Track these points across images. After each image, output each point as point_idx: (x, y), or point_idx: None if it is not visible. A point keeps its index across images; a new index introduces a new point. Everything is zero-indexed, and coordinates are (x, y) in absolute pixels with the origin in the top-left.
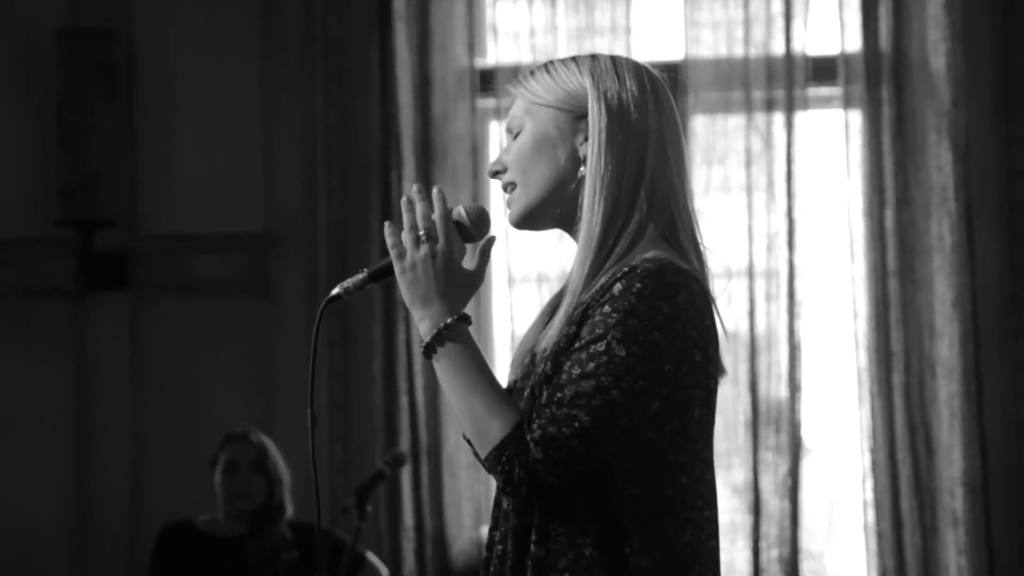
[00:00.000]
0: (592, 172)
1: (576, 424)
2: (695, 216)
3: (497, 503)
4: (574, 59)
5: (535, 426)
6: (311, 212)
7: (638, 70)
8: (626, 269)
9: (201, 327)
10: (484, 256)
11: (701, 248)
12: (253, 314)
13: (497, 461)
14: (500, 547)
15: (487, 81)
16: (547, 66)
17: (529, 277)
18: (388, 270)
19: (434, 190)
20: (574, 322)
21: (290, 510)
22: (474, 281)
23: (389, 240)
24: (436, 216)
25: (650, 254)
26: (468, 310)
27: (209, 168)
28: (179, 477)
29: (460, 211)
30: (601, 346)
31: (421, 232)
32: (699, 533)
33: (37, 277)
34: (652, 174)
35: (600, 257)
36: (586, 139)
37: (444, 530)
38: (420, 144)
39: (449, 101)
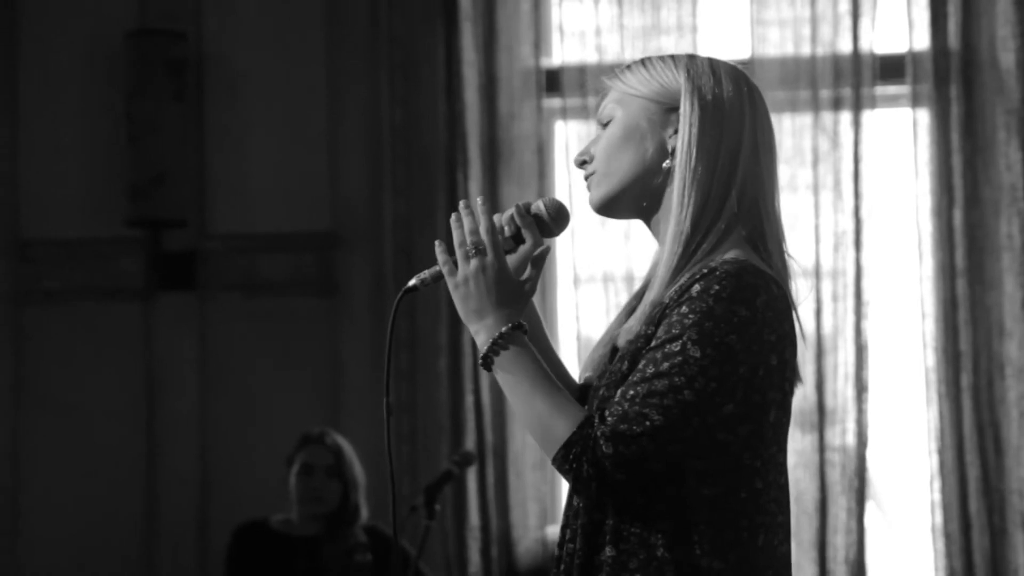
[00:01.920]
0: (682, 166)
1: (647, 423)
2: (781, 221)
3: (569, 502)
4: (672, 56)
5: (606, 422)
6: (377, 211)
7: (735, 73)
8: (705, 271)
9: (268, 326)
10: (537, 267)
11: (786, 254)
12: (320, 313)
13: (565, 460)
14: (571, 545)
15: (553, 80)
16: (644, 60)
17: (595, 277)
18: None
19: (478, 202)
20: (653, 322)
21: (365, 513)
22: (527, 291)
23: (440, 258)
24: (482, 229)
25: (730, 255)
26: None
27: (276, 167)
28: (247, 476)
29: (539, 205)
30: (676, 346)
31: (470, 247)
32: (772, 538)
33: (106, 277)
34: (744, 175)
35: (686, 254)
36: (676, 132)
37: (510, 530)
38: (486, 143)
39: (515, 100)
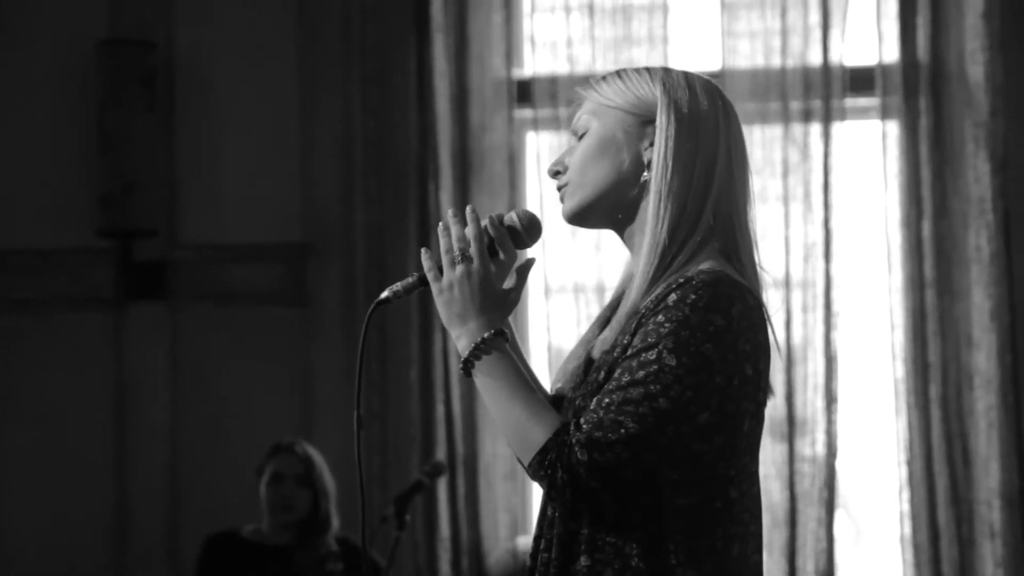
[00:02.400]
0: (657, 178)
1: (622, 430)
2: (755, 236)
3: (543, 512)
4: (648, 69)
5: (581, 429)
6: (349, 221)
7: (710, 87)
8: (681, 280)
9: (239, 336)
10: (522, 277)
11: (758, 267)
12: (291, 323)
13: (540, 466)
14: (545, 555)
15: (524, 91)
16: (620, 72)
17: (566, 287)
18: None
19: (467, 209)
20: (628, 332)
21: (336, 523)
22: (511, 300)
23: (425, 264)
24: (470, 235)
25: (706, 265)
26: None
27: (247, 177)
28: (217, 486)
29: (512, 216)
30: (652, 355)
31: (456, 253)
32: (745, 547)
33: (77, 286)
34: (719, 188)
35: (662, 265)
36: (652, 144)
37: (480, 540)
38: (457, 153)
39: (486, 111)
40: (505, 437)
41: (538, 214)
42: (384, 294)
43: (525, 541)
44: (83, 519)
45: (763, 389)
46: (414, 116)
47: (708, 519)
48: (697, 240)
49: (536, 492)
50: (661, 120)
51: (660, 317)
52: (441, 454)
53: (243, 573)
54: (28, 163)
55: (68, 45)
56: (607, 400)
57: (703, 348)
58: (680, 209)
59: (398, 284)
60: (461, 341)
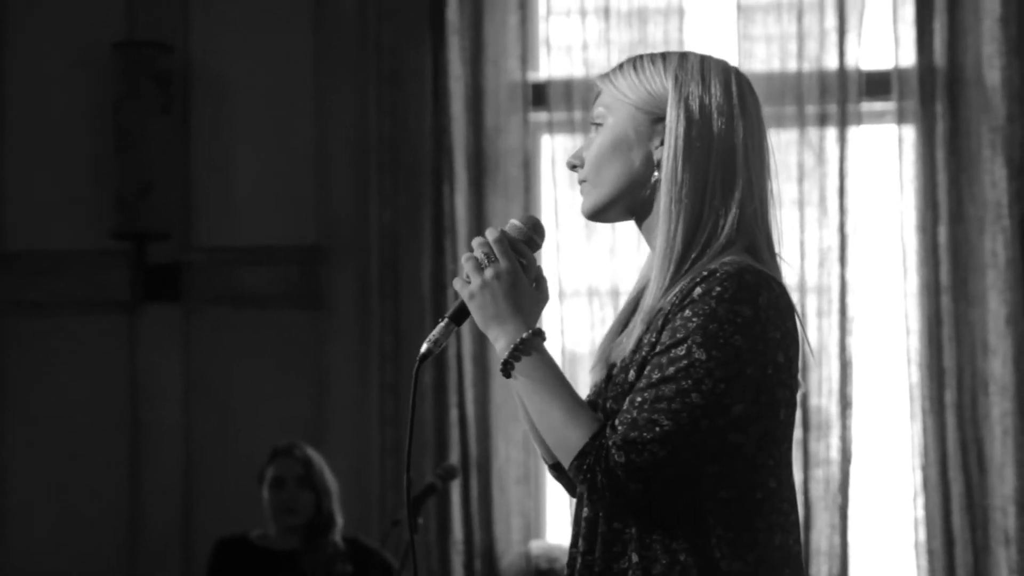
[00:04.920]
0: (667, 179)
1: (657, 429)
2: (777, 226)
3: (578, 514)
4: (663, 56)
5: (616, 431)
6: (363, 224)
7: (726, 73)
8: (705, 273)
9: (253, 339)
10: (540, 279)
11: (779, 259)
12: (305, 326)
13: (579, 470)
14: (588, 557)
15: (539, 94)
16: (636, 62)
17: (580, 291)
18: (465, 309)
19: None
20: (655, 329)
21: (340, 520)
22: (543, 296)
23: (457, 285)
24: (492, 239)
25: (728, 258)
26: None
27: (262, 179)
28: (231, 488)
29: (513, 223)
30: (681, 350)
31: (482, 258)
32: (787, 538)
33: (91, 288)
34: (742, 190)
35: (679, 271)
36: (662, 143)
37: (493, 544)
38: (472, 156)
39: (501, 114)
40: (545, 439)
41: (553, 218)
42: (424, 348)
43: (538, 544)
44: (96, 520)
45: (795, 376)
46: (429, 118)
47: (750, 511)
48: (721, 244)
49: (550, 496)
50: (670, 119)
51: (687, 312)
52: (454, 457)
53: None
54: (43, 165)
55: (83, 47)
56: (639, 399)
57: (733, 340)
58: (696, 213)
59: (433, 333)
60: (499, 343)
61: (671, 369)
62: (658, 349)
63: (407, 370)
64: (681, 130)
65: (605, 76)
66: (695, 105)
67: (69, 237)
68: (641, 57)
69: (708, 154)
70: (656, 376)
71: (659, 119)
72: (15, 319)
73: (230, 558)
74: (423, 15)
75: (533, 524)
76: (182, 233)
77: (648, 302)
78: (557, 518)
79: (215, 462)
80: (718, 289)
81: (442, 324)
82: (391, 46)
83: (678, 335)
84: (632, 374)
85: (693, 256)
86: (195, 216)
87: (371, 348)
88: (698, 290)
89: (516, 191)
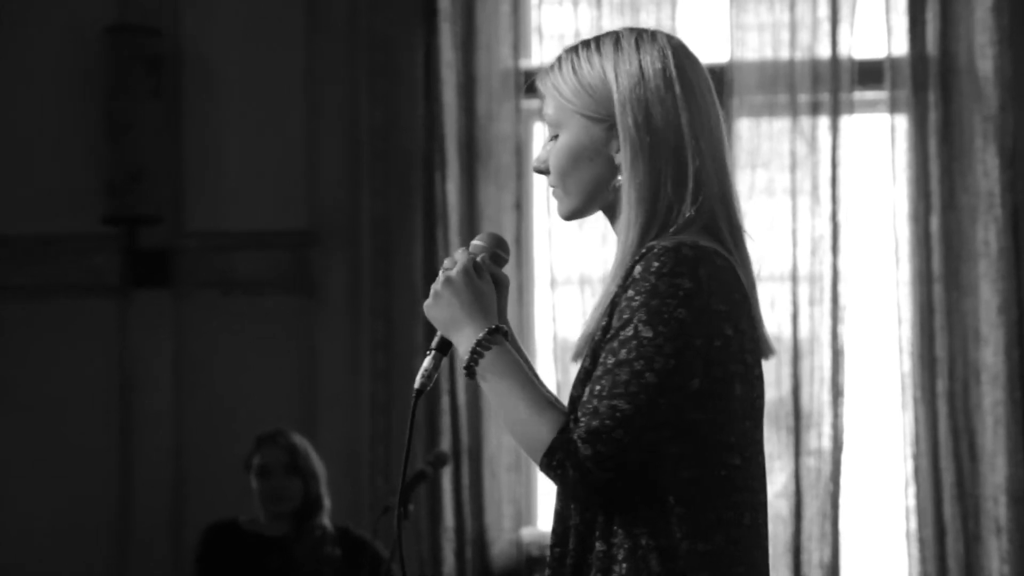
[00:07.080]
0: (627, 182)
1: (618, 414)
2: (736, 200)
3: (557, 503)
4: (598, 46)
5: (580, 423)
6: (354, 210)
7: (663, 55)
8: (644, 250)
9: (244, 324)
10: (495, 274)
11: (742, 232)
12: (296, 312)
13: (549, 467)
14: (557, 549)
15: (531, 82)
16: (573, 57)
17: (571, 279)
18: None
19: None
20: (606, 313)
21: (328, 503)
22: (499, 283)
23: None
24: (447, 261)
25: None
26: (511, 313)
27: (253, 165)
28: (221, 474)
29: (476, 242)
30: (629, 331)
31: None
32: (757, 516)
33: (82, 273)
34: (695, 177)
35: (636, 254)
36: (619, 149)
37: (484, 531)
38: (464, 143)
39: (493, 101)
40: (514, 438)
41: (546, 205)
42: (417, 384)
43: (529, 532)
44: (86, 506)
45: (748, 350)
46: (421, 105)
47: (713, 490)
48: (679, 227)
49: (541, 483)
50: (620, 126)
51: (630, 292)
52: (445, 444)
53: (242, 563)
54: (34, 150)
55: (74, 32)
56: (598, 387)
57: (676, 313)
58: (652, 206)
59: (423, 367)
60: (461, 346)
61: (623, 352)
62: (609, 334)
63: (398, 357)
64: (632, 135)
65: (545, 77)
66: (638, 106)
67: (60, 222)
68: (576, 50)
69: (659, 151)
70: (610, 361)
71: (612, 125)
72: (5, 304)
73: (220, 543)
74: (415, 2)
75: (524, 511)
76: (173, 218)
77: (607, 286)
78: (548, 506)
79: (205, 447)
80: (656, 264)
81: (429, 356)
82: (383, 32)
83: (624, 316)
84: (588, 361)
85: (650, 243)
86: (186, 201)
87: (362, 335)
88: (638, 268)
89: (508, 179)
